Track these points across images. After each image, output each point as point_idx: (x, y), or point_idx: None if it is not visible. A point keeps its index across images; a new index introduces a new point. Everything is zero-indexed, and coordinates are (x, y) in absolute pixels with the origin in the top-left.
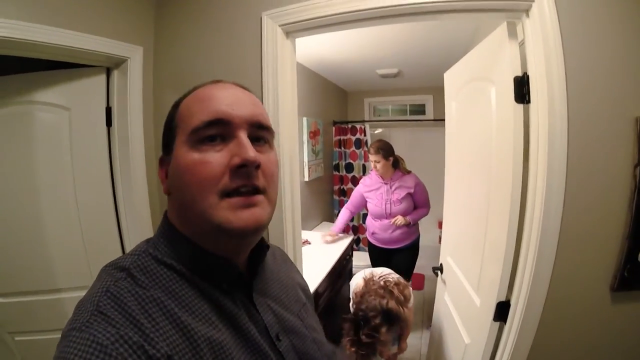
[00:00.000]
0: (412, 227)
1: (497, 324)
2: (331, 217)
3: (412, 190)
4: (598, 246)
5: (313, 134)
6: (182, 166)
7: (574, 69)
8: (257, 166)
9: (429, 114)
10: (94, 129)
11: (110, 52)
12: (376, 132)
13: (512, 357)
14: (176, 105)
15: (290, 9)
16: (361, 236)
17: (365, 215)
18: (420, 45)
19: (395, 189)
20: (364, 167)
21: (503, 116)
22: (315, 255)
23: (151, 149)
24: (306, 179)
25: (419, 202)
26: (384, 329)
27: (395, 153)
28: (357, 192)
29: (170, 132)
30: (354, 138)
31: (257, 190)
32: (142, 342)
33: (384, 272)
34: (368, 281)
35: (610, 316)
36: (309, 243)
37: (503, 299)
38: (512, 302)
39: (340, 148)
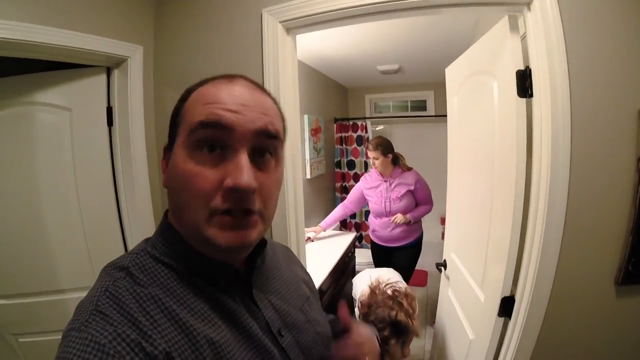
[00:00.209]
0: (413, 225)
1: (502, 319)
2: None
3: (412, 188)
4: (602, 240)
5: (314, 132)
6: (179, 172)
7: (576, 62)
8: (253, 190)
9: (430, 109)
10: (95, 129)
11: (111, 52)
12: (377, 128)
13: (517, 352)
14: (184, 97)
15: (290, 5)
16: (364, 233)
17: (367, 212)
18: (420, 40)
19: (394, 187)
20: (365, 164)
21: (505, 110)
22: (318, 252)
23: (152, 148)
24: (308, 176)
25: (420, 200)
26: (393, 341)
27: (397, 149)
28: (357, 188)
29: (174, 126)
30: (355, 135)
31: (250, 212)
32: (139, 340)
33: (390, 280)
34: (374, 289)
35: (615, 310)
36: (312, 240)
37: (508, 294)
38: (517, 297)
39: (342, 145)
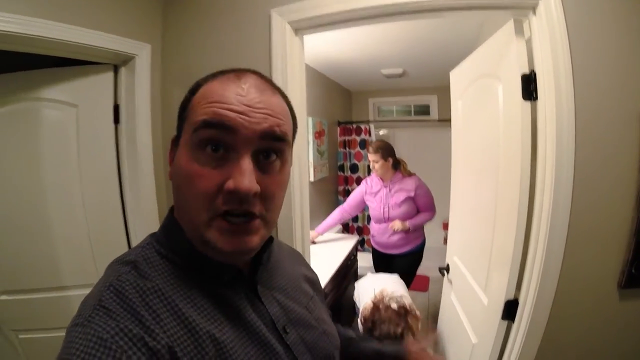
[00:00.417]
0: (414, 233)
1: (505, 322)
2: None
3: (412, 194)
4: (606, 243)
5: (318, 134)
6: (182, 171)
7: (580, 65)
8: (255, 193)
9: (434, 114)
10: (101, 126)
11: (118, 49)
12: (381, 132)
13: (520, 356)
14: (194, 90)
15: (299, 6)
16: (366, 237)
17: (369, 217)
18: (424, 44)
19: (394, 192)
20: (368, 168)
21: (510, 113)
22: (321, 256)
23: (159, 147)
24: (311, 179)
25: (421, 206)
26: None
27: (400, 154)
28: (358, 192)
29: (181, 120)
30: (358, 138)
31: (252, 215)
32: (142, 335)
33: (394, 294)
34: (378, 303)
35: (618, 313)
36: (314, 243)
37: (511, 297)
38: (521, 301)
39: (345, 148)
